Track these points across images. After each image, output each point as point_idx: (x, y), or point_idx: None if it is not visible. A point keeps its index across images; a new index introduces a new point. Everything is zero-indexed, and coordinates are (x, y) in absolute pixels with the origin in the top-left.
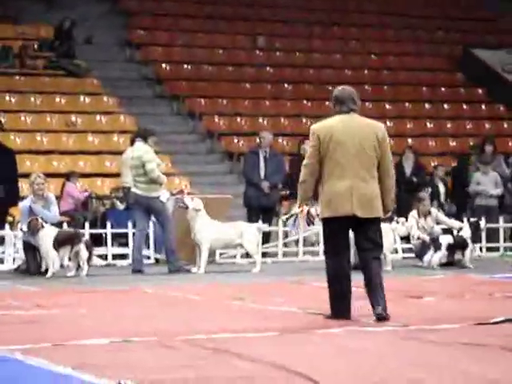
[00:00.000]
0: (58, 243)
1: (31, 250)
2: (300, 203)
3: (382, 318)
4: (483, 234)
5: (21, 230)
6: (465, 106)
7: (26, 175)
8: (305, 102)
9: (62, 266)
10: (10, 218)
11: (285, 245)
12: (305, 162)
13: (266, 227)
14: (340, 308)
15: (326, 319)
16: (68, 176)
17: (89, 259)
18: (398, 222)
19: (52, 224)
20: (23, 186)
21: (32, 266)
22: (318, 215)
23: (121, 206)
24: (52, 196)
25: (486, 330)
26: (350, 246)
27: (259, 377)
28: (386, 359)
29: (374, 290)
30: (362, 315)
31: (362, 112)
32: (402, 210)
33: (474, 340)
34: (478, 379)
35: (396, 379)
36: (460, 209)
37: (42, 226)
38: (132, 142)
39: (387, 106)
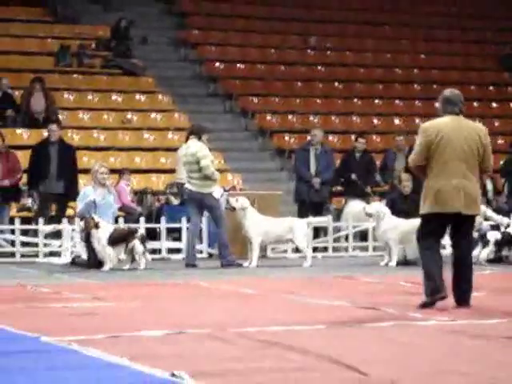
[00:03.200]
0: (113, 241)
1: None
2: None
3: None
4: None
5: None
6: None
7: (84, 171)
8: (355, 100)
9: (118, 259)
10: (70, 211)
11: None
12: (412, 158)
13: (318, 220)
14: (436, 287)
15: (420, 307)
16: (120, 173)
17: (144, 253)
18: None
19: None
20: (81, 182)
21: (92, 258)
22: None
23: (175, 202)
24: (112, 187)
25: None
26: (442, 240)
27: (310, 368)
28: (432, 352)
29: (465, 283)
30: (411, 309)
31: (414, 110)
32: None
33: None
34: None
35: (441, 372)
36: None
37: (96, 226)
38: (186, 139)
39: (436, 105)
